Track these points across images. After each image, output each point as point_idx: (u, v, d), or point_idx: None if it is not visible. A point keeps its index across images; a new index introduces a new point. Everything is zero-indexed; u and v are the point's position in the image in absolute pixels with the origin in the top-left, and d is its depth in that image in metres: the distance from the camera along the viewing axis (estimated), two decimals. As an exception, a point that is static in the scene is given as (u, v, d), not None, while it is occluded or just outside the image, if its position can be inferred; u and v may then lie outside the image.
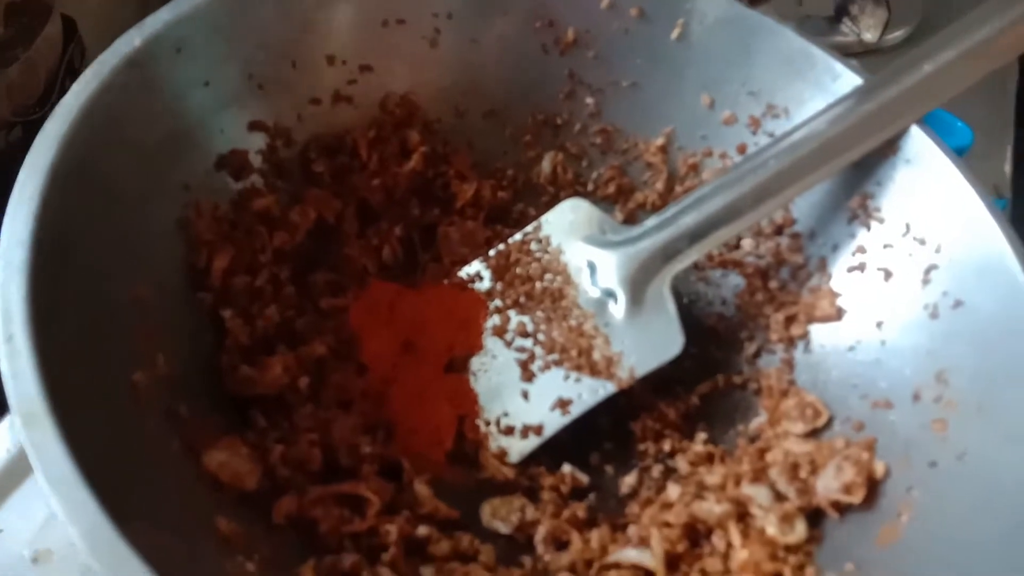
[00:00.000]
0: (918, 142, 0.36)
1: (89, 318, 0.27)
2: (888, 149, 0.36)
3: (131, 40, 0.32)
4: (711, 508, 0.32)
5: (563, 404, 0.37)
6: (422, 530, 0.32)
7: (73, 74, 0.71)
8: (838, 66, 0.38)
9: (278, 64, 0.38)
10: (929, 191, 0.35)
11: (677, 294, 0.40)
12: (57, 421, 0.22)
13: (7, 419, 0.39)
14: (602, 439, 0.39)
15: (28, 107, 0.69)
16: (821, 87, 0.38)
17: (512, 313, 0.40)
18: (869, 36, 0.63)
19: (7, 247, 0.25)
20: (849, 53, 0.63)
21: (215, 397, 0.32)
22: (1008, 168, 0.59)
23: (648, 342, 0.38)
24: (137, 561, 0.21)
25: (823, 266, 0.38)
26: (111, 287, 0.29)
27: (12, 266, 0.25)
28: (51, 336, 0.25)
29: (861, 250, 0.37)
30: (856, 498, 0.31)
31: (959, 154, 0.52)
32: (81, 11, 0.67)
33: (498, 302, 0.40)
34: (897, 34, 0.64)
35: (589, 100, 0.43)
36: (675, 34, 0.41)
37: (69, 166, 0.28)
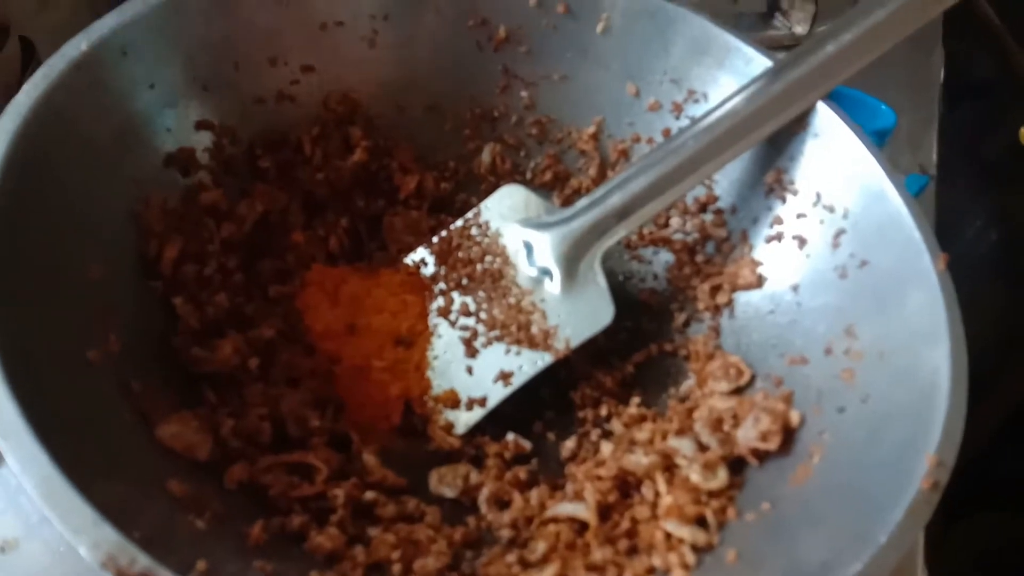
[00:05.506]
0: (824, 117, 0.38)
1: (43, 295, 0.29)
2: (798, 125, 0.39)
3: (78, 44, 0.34)
4: (639, 460, 0.34)
5: (505, 376, 0.39)
6: (369, 495, 0.34)
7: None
8: (750, 50, 0.40)
9: (221, 66, 0.39)
10: (835, 161, 0.38)
11: (612, 272, 0.42)
12: (9, 380, 0.24)
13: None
14: (544, 409, 0.41)
15: (-12, 129, 0.70)
16: (735, 71, 0.41)
17: (455, 295, 0.42)
18: (800, 29, 0.66)
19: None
20: (782, 46, 0.66)
21: (168, 374, 0.34)
22: (934, 148, 0.62)
23: (582, 314, 0.40)
24: (87, 509, 0.23)
25: (745, 238, 0.41)
26: (65, 268, 0.31)
27: (-33, 247, 0.27)
28: (5, 312, 0.26)
29: (778, 221, 0.40)
30: (772, 445, 0.33)
31: (883, 136, 0.55)
32: (38, 32, 0.68)
33: (442, 285, 0.42)
34: (826, 26, 0.67)
35: (524, 93, 0.45)
36: (600, 28, 0.43)
37: (21, 158, 0.30)
